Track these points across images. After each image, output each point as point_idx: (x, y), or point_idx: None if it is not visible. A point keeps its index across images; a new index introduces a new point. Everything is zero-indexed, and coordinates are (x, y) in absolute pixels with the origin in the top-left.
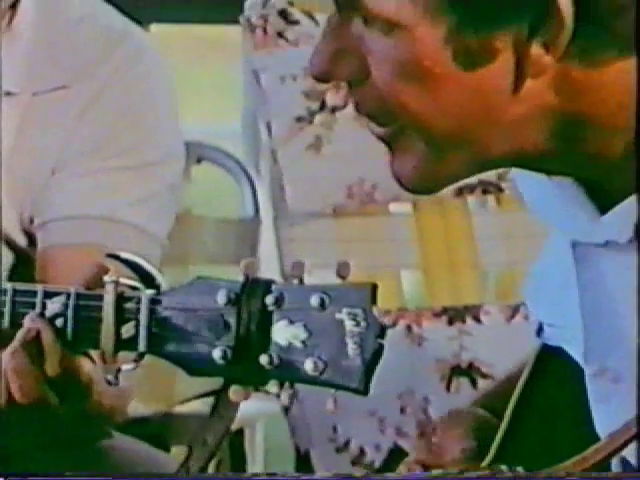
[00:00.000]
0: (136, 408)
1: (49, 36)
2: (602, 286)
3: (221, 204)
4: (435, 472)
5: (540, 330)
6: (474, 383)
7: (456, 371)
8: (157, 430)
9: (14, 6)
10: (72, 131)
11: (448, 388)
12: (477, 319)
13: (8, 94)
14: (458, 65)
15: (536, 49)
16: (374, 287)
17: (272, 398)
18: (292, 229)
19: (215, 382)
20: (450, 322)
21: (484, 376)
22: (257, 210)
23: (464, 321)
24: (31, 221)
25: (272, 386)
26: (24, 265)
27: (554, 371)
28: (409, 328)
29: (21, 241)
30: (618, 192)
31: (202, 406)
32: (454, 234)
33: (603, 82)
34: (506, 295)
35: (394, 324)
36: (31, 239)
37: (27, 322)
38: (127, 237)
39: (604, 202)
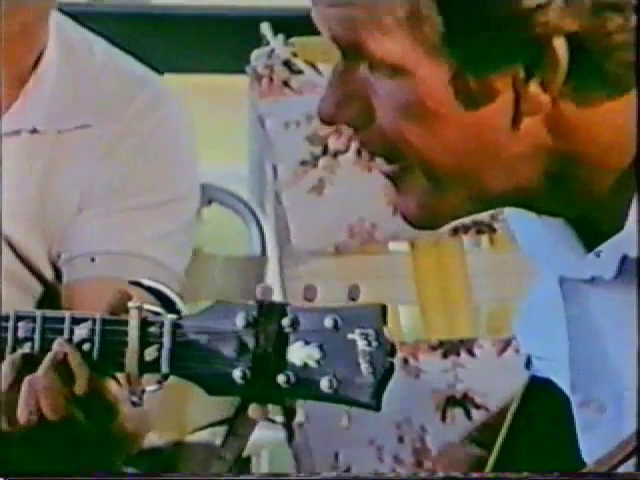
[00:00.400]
0: (149, 438)
1: (73, 80)
2: (588, 320)
3: (230, 243)
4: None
5: (529, 363)
6: (468, 413)
7: (451, 401)
8: (168, 460)
9: (41, 53)
10: (96, 170)
11: (444, 418)
12: (471, 352)
13: (34, 131)
14: (460, 105)
15: (534, 88)
16: (384, 308)
17: (277, 427)
18: (296, 267)
19: (227, 410)
20: (445, 355)
21: (477, 406)
22: (264, 248)
23: (458, 354)
24: (58, 256)
25: (278, 416)
26: (51, 297)
27: (543, 402)
28: (406, 361)
29: (49, 274)
30: (605, 230)
31: (212, 436)
32: (449, 271)
33: (594, 121)
34: (498, 330)
35: None
36: (58, 273)
37: (55, 347)
38: (148, 271)
39: (591, 239)
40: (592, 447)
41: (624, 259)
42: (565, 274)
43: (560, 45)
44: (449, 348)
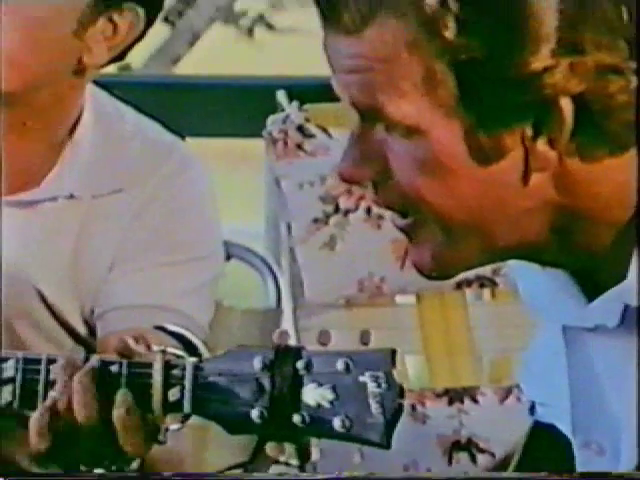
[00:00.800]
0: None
1: (106, 147)
2: (590, 367)
3: (247, 296)
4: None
5: (533, 409)
6: (473, 457)
7: (456, 446)
8: None
9: (76, 122)
10: (128, 231)
11: (450, 461)
12: (474, 399)
13: (71, 197)
14: (473, 161)
15: (542, 145)
16: (393, 352)
17: (292, 469)
18: (310, 318)
19: (244, 454)
20: (450, 402)
21: (482, 451)
22: (279, 301)
23: (462, 401)
24: (92, 312)
25: (293, 459)
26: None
27: (547, 446)
28: (413, 407)
29: (82, 330)
30: (606, 281)
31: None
32: (453, 323)
33: (596, 177)
34: (500, 378)
35: None
36: (91, 329)
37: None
38: (175, 323)
39: (593, 290)
40: None
41: (626, 308)
42: (568, 323)
43: (566, 105)
44: (454, 395)
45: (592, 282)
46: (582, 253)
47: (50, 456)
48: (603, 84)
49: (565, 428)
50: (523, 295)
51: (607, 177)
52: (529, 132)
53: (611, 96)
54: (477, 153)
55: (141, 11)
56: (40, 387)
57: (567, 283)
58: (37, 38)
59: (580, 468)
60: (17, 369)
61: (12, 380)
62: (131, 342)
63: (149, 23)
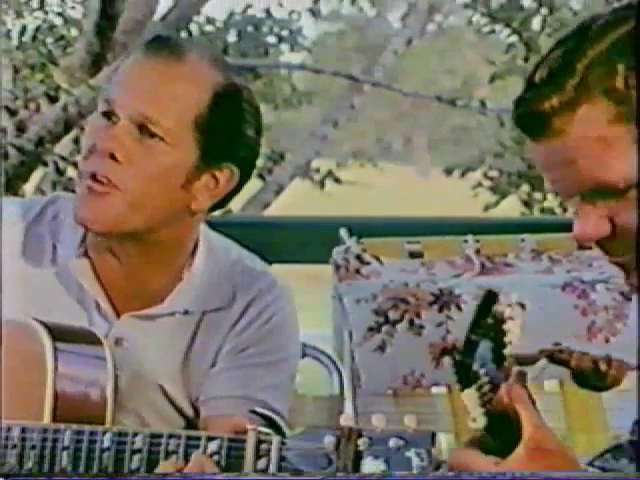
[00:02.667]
0: None
1: (214, 273)
2: None
3: (317, 386)
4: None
5: None
6: None
7: None
8: None
9: (193, 254)
10: (225, 339)
11: None
12: None
13: (186, 313)
14: None
15: None
16: (433, 434)
17: None
18: (365, 405)
19: None
20: None
21: None
22: (342, 391)
23: None
24: (197, 399)
25: None
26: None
27: None
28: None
29: (190, 413)
30: None
31: None
32: None
33: None
34: None
35: None
36: (196, 411)
37: (192, 458)
38: (262, 412)
39: None
40: None
41: None
42: None
43: None
44: None
45: None
46: None
47: None
48: None
49: None
50: None
51: None
52: None
53: None
54: None
55: (236, 170)
56: (161, 455)
57: None
58: (154, 189)
59: None
60: (144, 442)
61: (140, 451)
62: (245, 424)
63: (244, 179)
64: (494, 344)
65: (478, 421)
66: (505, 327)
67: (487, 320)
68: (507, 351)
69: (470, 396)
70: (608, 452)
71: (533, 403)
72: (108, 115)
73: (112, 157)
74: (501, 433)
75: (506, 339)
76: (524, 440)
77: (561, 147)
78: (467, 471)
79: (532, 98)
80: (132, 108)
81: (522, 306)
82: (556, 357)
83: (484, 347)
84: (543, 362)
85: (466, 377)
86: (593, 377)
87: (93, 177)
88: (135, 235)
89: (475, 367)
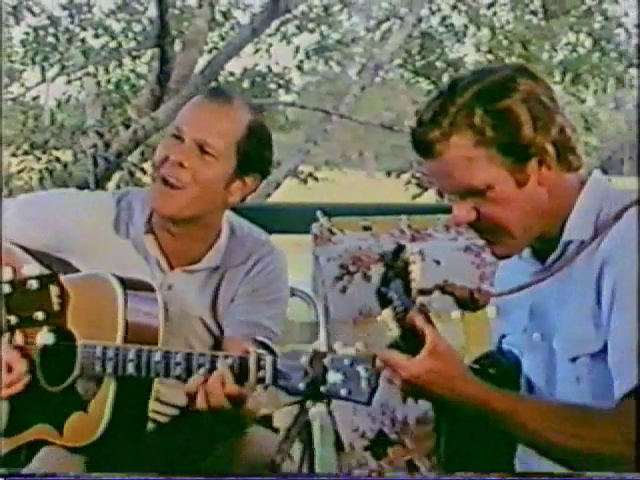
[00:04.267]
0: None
1: (233, 242)
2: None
3: (301, 316)
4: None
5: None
6: None
7: None
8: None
9: (219, 230)
10: (240, 284)
11: None
12: None
13: (216, 268)
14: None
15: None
16: (374, 355)
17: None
18: (333, 329)
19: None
20: None
21: None
22: (317, 319)
23: None
24: (222, 324)
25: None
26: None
27: None
28: None
29: (218, 333)
30: None
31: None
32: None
33: None
34: None
35: None
36: (222, 333)
37: (216, 369)
38: (262, 333)
39: None
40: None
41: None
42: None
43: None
44: None
45: None
46: None
47: None
48: None
49: None
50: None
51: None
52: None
53: None
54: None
55: (258, 176)
56: (194, 367)
57: None
58: (206, 189)
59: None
60: (182, 358)
61: (179, 364)
62: (249, 348)
63: (261, 181)
64: (402, 280)
65: (393, 331)
66: (409, 268)
67: (398, 263)
68: (413, 285)
69: (387, 314)
70: (483, 357)
71: (431, 323)
72: (177, 137)
73: (180, 165)
74: (410, 341)
75: (410, 277)
76: (426, 344)
77: (442, 164)
78: (389, 364)
79: (421, 131)
80: (195, 134)
81: (422, 255)
82: (445, 289)
83: (396, 282)
84: (437, 293)
85: (384, 302)
86: (469, 302)
87: (164, 179)
88: (189, 219)
89: (390, 294)
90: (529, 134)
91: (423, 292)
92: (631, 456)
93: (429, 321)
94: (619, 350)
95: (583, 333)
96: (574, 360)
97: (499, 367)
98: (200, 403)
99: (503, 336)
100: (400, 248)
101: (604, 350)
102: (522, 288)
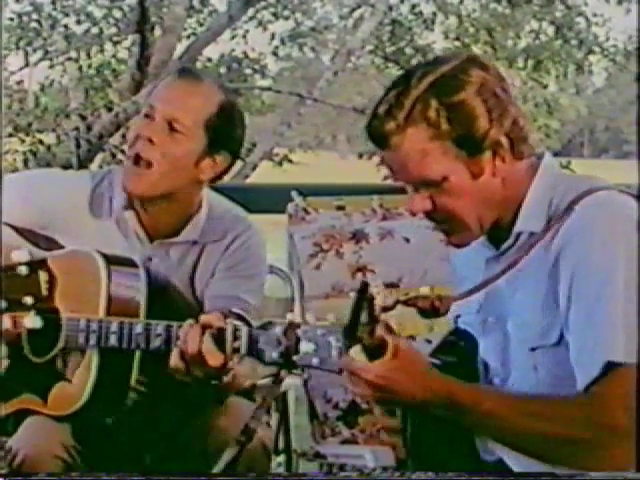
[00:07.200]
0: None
1: (212, 218)
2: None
3: (277, 292)
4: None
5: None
6: None
7: None
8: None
9: (199, 206)
10: (220, 259)
11: None
12: None
13: (195, 242)
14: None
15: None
16: (345, 327)
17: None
18: (307, 304)
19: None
20: None
21: None
22: (292, 295)
23: None
24: (201, 297)
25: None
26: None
27: None
28: None
29: (195, 304)
30: None
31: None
32: None
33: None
34: None
35: None
36: (201, 307)
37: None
38: (240, 306)
39: None
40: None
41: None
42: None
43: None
44: None
45: None
46: None
47: None
48: None
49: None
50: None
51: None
52: None
53: None
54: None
55: (229, 155)
56: (173, 339)
57: None
58: (176, 166)
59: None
60: (162, 329)
61: (160, 335)
62: (220, 320)
63: (233, 161)
64: (368, 312)
65: (352, 352)
66: (375, 302)
67: (363, 303)
68: (376, 310)
69: (357, 348)
70: (440, 346)
71: (394, 333)
72: (148, 115)
73: (150, 141)
74: (376, 353)
75: (375, 307)
76: (388, 347)
77: (398, 156)
78: (351, 370)
79: (377, 124)
80: (165, 111)
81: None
82: (408, 302)
83: (363, 315)
84: (399, 307)
85: (354, 330)
86: (430, 311)
87: (135, 159)
88: (162, 196)
89: (360, 321)
90: (484, 127)
91: (386, 309)
92: (606, 442)
93: (391, 331)
94: (579, 342)
95: (539, 325)
96: (533, 350)
97: (457, 353)
98: (175, 359)
99: (458, 316)
100: (364, 285)
101: (561, 342)
102: (479, 289)
